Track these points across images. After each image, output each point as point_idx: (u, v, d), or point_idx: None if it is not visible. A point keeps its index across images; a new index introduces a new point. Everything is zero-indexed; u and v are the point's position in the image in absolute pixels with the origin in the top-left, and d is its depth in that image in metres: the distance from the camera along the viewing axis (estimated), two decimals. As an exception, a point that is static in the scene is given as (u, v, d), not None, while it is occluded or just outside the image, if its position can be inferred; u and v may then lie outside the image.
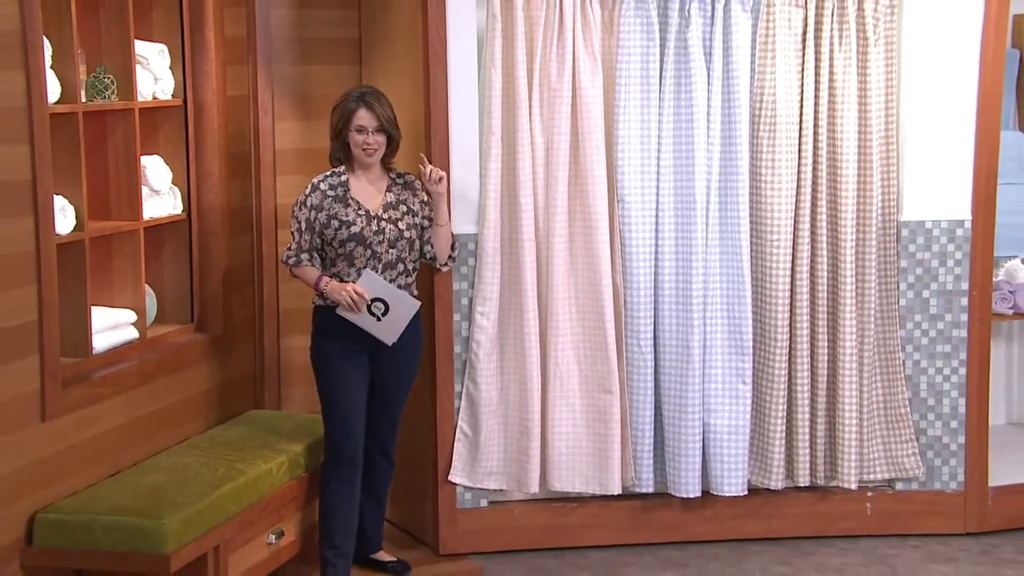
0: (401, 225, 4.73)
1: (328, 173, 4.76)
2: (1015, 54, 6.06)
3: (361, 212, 4.68)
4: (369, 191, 4.74)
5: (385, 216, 4.71)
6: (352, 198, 4.70)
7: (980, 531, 5.43)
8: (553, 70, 5.00)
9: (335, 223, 4.66)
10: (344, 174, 4.75)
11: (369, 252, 4.67)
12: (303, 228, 4.70)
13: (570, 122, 5.03)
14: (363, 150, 4.69)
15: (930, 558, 5.21)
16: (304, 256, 4.71)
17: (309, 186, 4.73)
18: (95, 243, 4.58)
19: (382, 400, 4.84)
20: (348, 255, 4.67)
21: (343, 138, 4.71)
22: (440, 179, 4.77)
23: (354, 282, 4.63)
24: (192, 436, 4.98)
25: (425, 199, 4.84)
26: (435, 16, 4.96)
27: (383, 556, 5.07)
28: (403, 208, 4.76)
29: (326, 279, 4.67)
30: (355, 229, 4.66)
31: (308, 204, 4.70)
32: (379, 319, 4.63)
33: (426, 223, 4.83)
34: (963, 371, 5.38)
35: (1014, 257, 6.05)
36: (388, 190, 4.77)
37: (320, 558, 4.81)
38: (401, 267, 4.74)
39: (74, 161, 4.38)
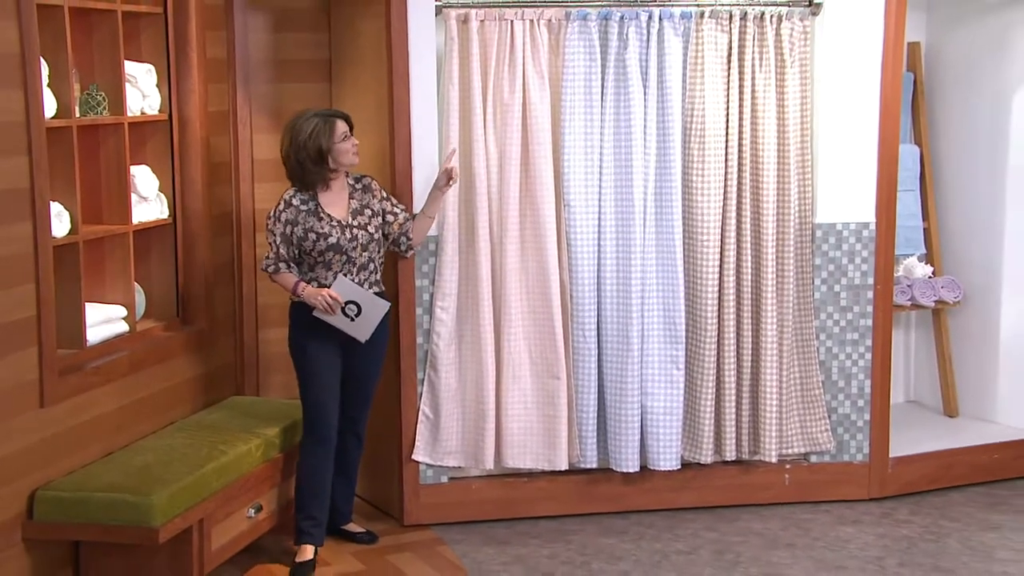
0: (370, 228, 4.66)
1: (296, 188, 4.63)
2: (910, 77, 6.11)
3: (334, 223, 4.59)
4: (336, 201, 4.65)
5: (355, 223, 4.63)
6: (324, 211, 4.60)
7: (881, 496, 5.47)
8: (505, 87, 4.96)
9: (312, 236, 4.56)
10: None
11: (344, 258, 4.60)
12: (279, 241, 4.59)
13: (521, 134, 4.99)
14: (354, 153, 4.60)
15: (839, 521, 5.24)
16: (282, 265, 4.61)
17: (282, 202, 4.61)
18: (88, 245, 4.53)
19: (355, 386, 4.78)
20: (326, 263, 4.59)
21: (325, 157, 4.53)
22: (454, 182, 4.78)
23: (329, 287, 4.56)
24: (178, 420, 4.93)
25: (384, 196, 4.76)
26: (398, 39, 4.90)
27: (353, 527, 5.02)
28: (368, 212, 4.68)
29: (303, 284, 4.58)
30: (332, 240, 4.57)
31: (283, 219, 4.59)
32: (352, 319, 4.57)
33: (390, 218, 4.75)
34: (868, 356, 5.40)
35: (911, 255, 6.10)
36: (351, 197, 4.68)
37: (296, 528, 4.74)
38: (371, 267, 4.68)
39: (69, 171, 4.33)
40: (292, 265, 4.63)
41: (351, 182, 4.72)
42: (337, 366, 4.69)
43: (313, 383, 4.66)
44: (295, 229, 4.58)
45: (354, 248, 4.60)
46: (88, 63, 4.61)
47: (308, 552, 4.70)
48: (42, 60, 4.12)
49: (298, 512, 4.73)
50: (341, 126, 4.58)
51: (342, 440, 4.82)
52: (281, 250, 4.60)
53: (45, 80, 4.17)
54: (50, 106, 4.21)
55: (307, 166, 4.57)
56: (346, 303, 4.54)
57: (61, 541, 4.19)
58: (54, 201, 4.23)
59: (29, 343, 4.04)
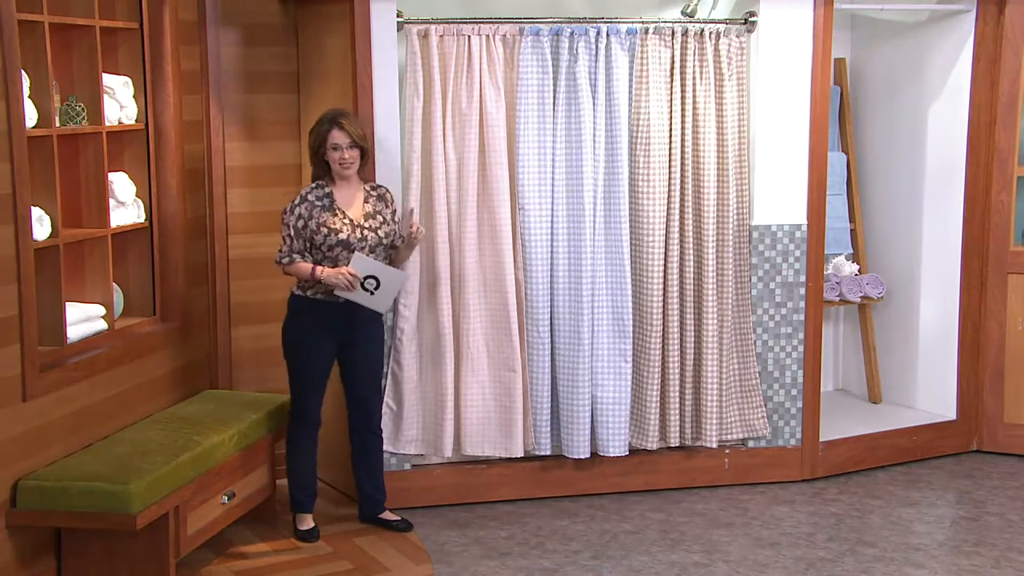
0: (380, 233, 4.60)
1: (313, 185, 4.60)
2: (837, 90, 6.13)
3: (346, 221, 4.53)
4: (351, 201, 4.59)
5: (367, 225, 4.57)
6: (338, 208, 4.55)
7: (813, 477, 5.48)
8: (463, 98, 4.91)
9: (324, 230, 4.50)
10: (327, 186, 4.60)
11: (348, 255, 4.54)
12: (292, 234, 4.53)
13: (478, 142, 4.94)
14: (340, 165, 4.53)
15: (774, 501, 5.25)
16: (296, 256, 4.54)
17: (298, 197, 4.57)
18: (68, 248, 4.45)
19: (363, 374, 4.73)
20: (334, 258, 4.53)
21: (321, 156, 4.56)
22: (420, 235, 4.65)
23: (345, 265, 4.48)
24: (155, 413, 4.83)
25: (396, 209, 4.73)
26: (362, 53, 4.84)
27: (388, 516, 4.93)
28: (380, 218, 4.62)
29: (319, 267, 4.50)
30: (342, 236, 4.51)
31: (296, 213, 4.53)
32: (372, 293, 4.49)
33: (396, 229, 4.69)
34: (801, 348, 5.40)
35: (839, 254, 6.13)
36: (366, 201, 4.63)
37: (291, 500, 4.78)
38: None
39: (49, 177, 4.24)
40: (306, 255, 4.55)
41: (367, 188, 4.66)
42: (329, 359, 4.63)
43: (303, 371, 4.61)
44: (308, 223, 4.52)
45: (362, 248, 4.53)
46: (68, 75, 4.52)
47: (308, 520, 4.73)
48: (23, 73, 4.04)
49: (291, 486, 4.75)
50: (334, 136, 4.52)
51: (362, 440, 4.80)
52: (295, 243, 4.53)
53: (26, 92, 4.09)
54: (31, 116, 4.14)
55: (312, 158, 4.60)
56: (365, 278, 4.47)
57: (43, 528, 4.11)
58: (35, 206, 4.15)
59: (11, 340, 3.96)
